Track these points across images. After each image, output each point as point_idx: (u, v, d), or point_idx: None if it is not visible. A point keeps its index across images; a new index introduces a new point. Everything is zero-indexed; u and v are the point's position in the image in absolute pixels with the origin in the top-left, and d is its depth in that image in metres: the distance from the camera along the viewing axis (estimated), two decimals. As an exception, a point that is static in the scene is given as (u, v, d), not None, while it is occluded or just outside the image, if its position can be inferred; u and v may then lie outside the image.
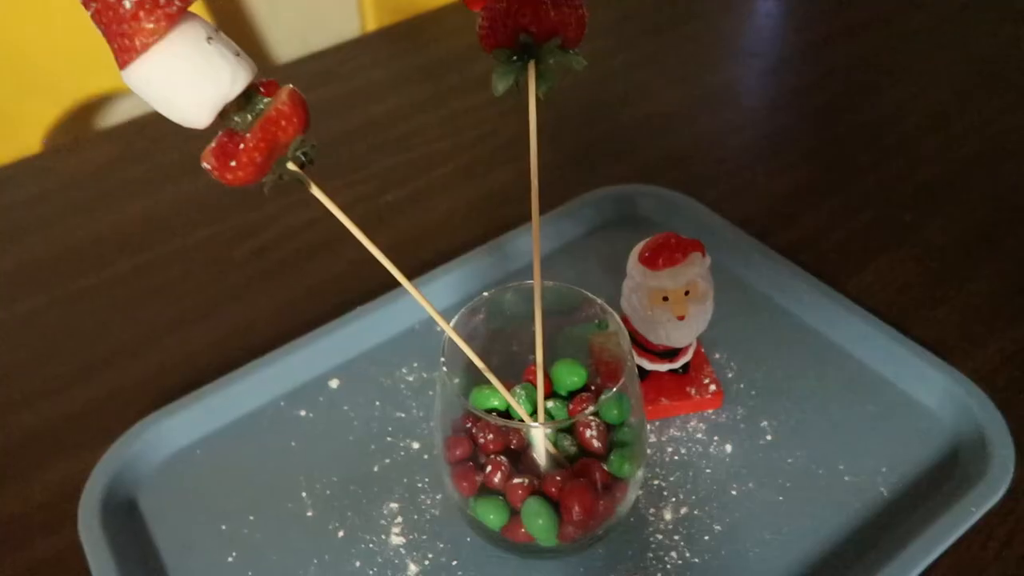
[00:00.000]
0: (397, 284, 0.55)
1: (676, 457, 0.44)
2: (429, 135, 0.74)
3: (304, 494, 0.44)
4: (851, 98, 0.73)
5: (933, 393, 0.45)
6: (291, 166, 0.30)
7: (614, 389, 0.35)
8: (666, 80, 0.78)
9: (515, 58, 0.34)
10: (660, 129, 0.71)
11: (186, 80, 0.26)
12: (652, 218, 0.59)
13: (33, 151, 0.82)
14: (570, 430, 0.39)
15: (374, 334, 0.52)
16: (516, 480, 0.36)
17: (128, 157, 0.74)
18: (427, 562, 0.41)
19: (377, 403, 0.49)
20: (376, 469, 0.45)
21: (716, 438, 0.45)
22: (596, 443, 0.38)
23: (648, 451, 0.44)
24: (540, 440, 0.37)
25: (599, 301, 0.38)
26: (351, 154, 0.72)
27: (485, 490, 0.37)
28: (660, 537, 0.41)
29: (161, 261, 0.61)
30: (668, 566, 0.40)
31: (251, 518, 0.43)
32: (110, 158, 0.75)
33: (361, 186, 0.68)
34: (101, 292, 0.59)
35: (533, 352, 0.37)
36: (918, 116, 0.70)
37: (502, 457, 0.37)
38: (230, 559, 0.42)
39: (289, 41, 1.29)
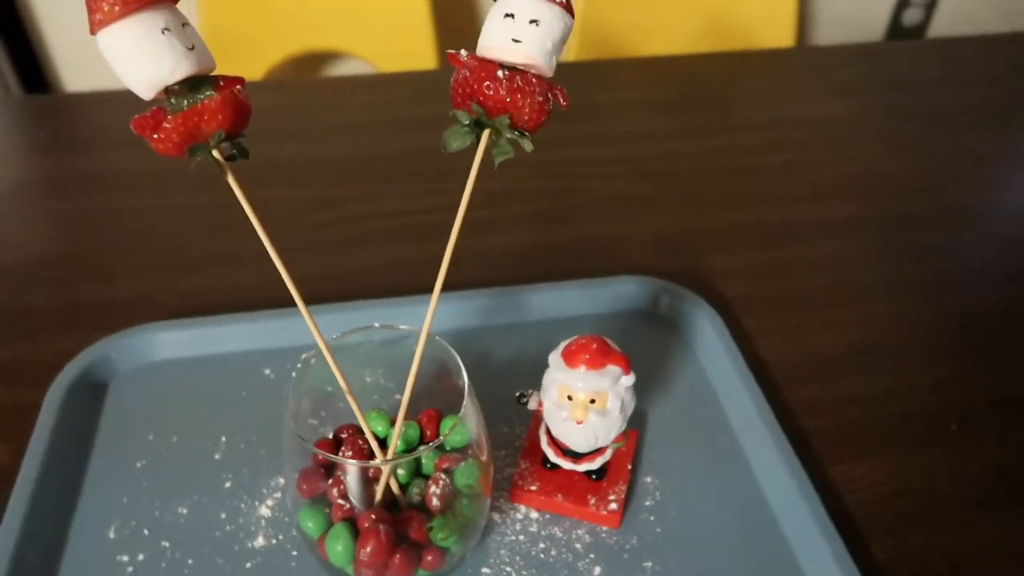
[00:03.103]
0: (427, 289, 0.58)
1: (542, 555, 0.43)
2: (523, 172, 0.75)
3: (223, 439, 0.49)
4: (979, 278, 0.65)
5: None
6: (216, 154, 0.34)
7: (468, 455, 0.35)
8: (832, 185, 0.74)
9: (467, 123, 0.36)
10: (784, 231, 0.68)
11: (133, 58, 0.31)
12: (669, 319, 0.57)
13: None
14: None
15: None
16: (341, 500, 0.38)
17: (287, 108, 0.84)
18: (275, 541, 0.43)
19: (329, 388, 0.52)
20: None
21: (592, 556, 0.43)
22: (435, 501, 0.38)
23: (508, 539, 0.44)
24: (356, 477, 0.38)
25: (464, 376, 0.38)
26: (438, 168, 0.74)
27: (321, 499, 0.39)
28: (477, 620, 0.40)
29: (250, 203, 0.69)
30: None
31: (174, 439, 0.49)
32: (277, 104, 0.85)
33: (421, 199, 0.71)
34: (190, 211, 0.68)
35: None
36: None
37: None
38: (138, 465, 0.47)
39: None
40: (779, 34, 1.15)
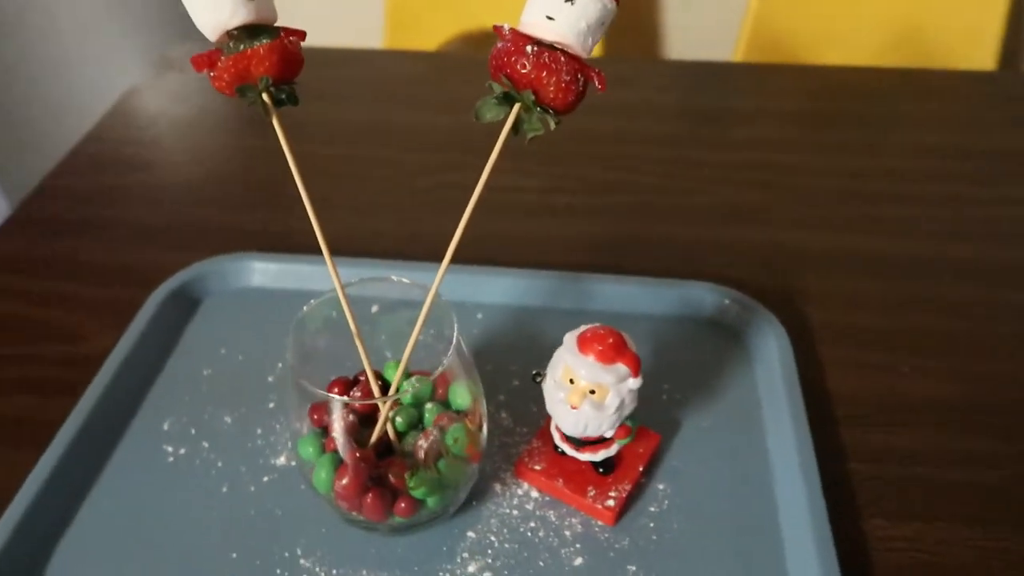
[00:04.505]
0: (501, 262, 0.59)
1: (529, 534, 0.44)
2: (636, 164, 0.74)
3: (279, 365, 0.53)
4: None
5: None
6: (265, 97, 0.37)
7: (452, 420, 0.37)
8: (980, 225, 0.67)
9: (498, 95, 0.36)
10: (899, 265, 0.63)
11: (200, 3, 0.35)
12: (735, 332, 0.55)
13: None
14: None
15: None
16: (335, 433, 0.40)
17: (421, 79, 0.89)
18: (293, 463, 0.47)
19: (383, 337, 0.55)
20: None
21: (577, 546, 0.43)
22: (421, 453, 0.40)
23: (502, 511, 0.44)
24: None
25: (455, 331, 0.39)
26: (546, 150, 0.74)
27: (323, 431, 0.42)
28: (448, 578, 0.42)
29: (367, 160, 0.74)
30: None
31: (239, 357, 0.54)
32: (415, 74, 0.90)
33: (526, 177, 0.72)
34: (336, 161, 0.74)
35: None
36: None
37: (352, 415, 0.42)
38: (205, 372, 0.53)
39: (679, 45, 1.33)
40: (980, 56, 1.04)
